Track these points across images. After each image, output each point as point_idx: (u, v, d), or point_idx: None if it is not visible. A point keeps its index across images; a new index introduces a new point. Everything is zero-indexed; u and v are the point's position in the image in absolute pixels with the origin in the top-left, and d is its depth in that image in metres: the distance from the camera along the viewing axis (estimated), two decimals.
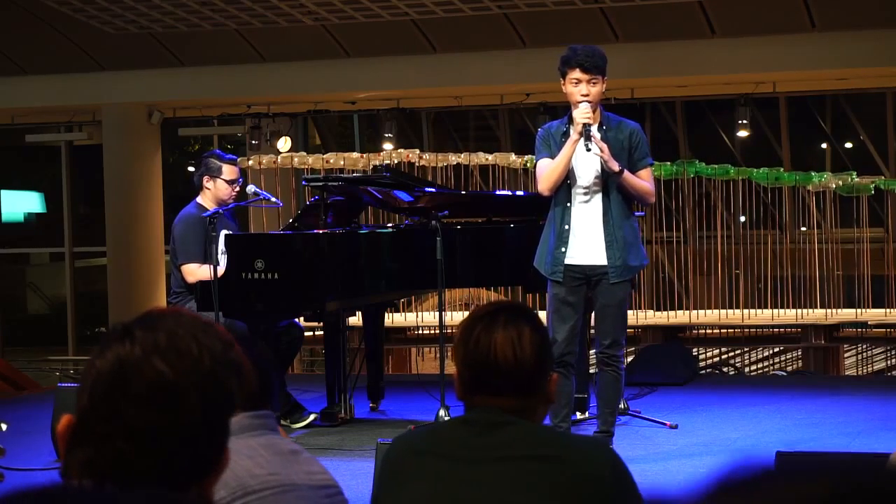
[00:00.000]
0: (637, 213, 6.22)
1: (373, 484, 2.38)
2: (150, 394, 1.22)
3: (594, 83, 5.26)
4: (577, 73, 5.25)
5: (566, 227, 5.33)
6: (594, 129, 5.26)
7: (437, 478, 2.18)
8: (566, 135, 5.30)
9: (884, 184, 10.84)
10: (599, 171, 5.30)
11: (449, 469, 2.17)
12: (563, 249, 5.33)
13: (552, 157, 5.30)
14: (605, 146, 5.22)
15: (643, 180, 5.33)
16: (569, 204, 5.33)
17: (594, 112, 5.31)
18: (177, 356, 1.24)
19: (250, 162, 10.93)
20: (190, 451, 1.23)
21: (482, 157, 11.07)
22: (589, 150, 5.20)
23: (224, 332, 1.34)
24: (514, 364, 2.19)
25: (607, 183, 5.30)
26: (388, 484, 2.25)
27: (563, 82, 5.32)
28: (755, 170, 10.86)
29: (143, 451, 1.21)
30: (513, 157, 10.90)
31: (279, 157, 11.09)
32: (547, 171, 5.30)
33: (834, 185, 10.72)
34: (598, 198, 5.32)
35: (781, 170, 11.02)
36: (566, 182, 5.31)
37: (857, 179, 10.70)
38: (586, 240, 5.32)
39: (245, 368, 1.78)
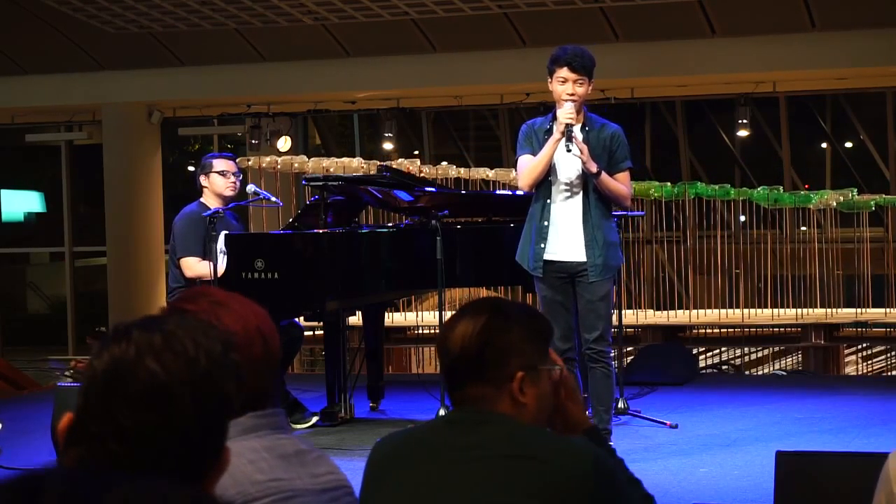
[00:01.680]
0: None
1: (360, 486, 2.37)
2: (142, 394, 1.22)
3: (580, 83, 5.32)
4: (564, 72, 5.31)
5: (545, 223, 5.40)
6: (576, 130, 5.32)
7: (418, 477, 2.17)
8: (549, 132, 5.37)
9: (884, 201, 10.86)
10: (581, 170, 5.35)
11: (430, 468, 2.16)
12: (543, 245, 5.40)
13: (534, 154, 5.37)
14: (584, 147, 5.29)
15: (620, 183, 5.39)
16: (549, 200, 5.40)
17: (578, 113, 5.36)
18: (172, 356, 1.24)
19: (250, 162, 10.93)
20: (184, 452, 1.23)
21: (483, 173, 11.07)
22: (569, 150, 5.25)
23: (226, 334, 1.34)
24: (458, 351, 2.20)
25: (588, 182, 5.36)
26: (372, 484, 2.25)
27: (550, 80, 5.39)
28: (755, 190, 10.89)
29: (136, 451, 1.21)
30: (514, 173, 10.88)
31: (279, 162, 11.08)
32: (527, 169, 5.38)
33: (834, 203, 10.74)
34: (579, 196, 5.39)
35: (781, 189, 11.02)
36: (547, 179, 5.39)
37: (857, 197, 10.71)
38: (565, 237, 5.38)
39: (245, 371, 1.78)
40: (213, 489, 1.28)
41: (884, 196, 11.03)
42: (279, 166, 11.08)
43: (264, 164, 11.00)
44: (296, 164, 11.05)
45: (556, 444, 2.21)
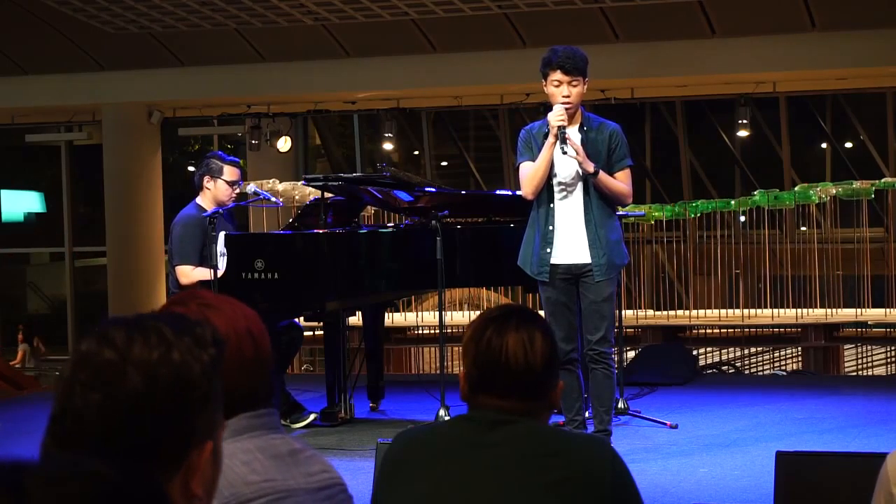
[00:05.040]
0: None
1: (373, 482, 2.38)
2: (95, 373, 1.25)
3: (575, 84, 5.31)
4: (558, 75, 5.30)
5: (550, 227, 5.38)
6: (569, 132, 5.30)
7: (438, 474, 2.19)
8: (547, 136, 5.34)
9: (883, 185, 10.86)
10: (579, 170, 5.34)
11: (450, 465, 2.18)
12: (549, 250, 5.38)
13: (534, 159, 5.35)
14: (579, 148, 5.27)
15: (620, 182, 5.38)
16: (552, 204, 5.39)
17: (575, 112, 5.35)
18: (131, 341, 1.26)
19: (251, 186, 10.92)
20: (132, 437, 1.23)
21: None
22: (565, 153, 5.24)
23: (214, 332, 1.33)
24: (524, 366, 2.21)
25: (587, 182, 5.35)
26: (389, 480, 2.26)
27: (544, 83, 5.38)
28: (755, 196, 10.88)
29: (84, 430, 1.24)
30: None
31: (280, 192, 11.04)
32: (528, 176, 5.37)
33: (834, 192, 10.74)
34: (580, 197, 5.38)
35: (778, 191, 11.02)
36: (548, 182, 5.36)
37: (856, 184, 10.72)
38: (570, 239, 5.37)
39: (236, 371, 1.78)
40: (194, 492, 1.27)
41: (884, 180, 11.01)
42: (281, 198, 11.02)
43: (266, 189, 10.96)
44: (297, 196, 10.94)
45: (575, 442, 2.26)
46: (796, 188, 10.93)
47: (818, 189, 10.70)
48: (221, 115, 12.30)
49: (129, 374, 1.24)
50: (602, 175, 5.30)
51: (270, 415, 1.90)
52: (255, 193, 6.76)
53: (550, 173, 5.37)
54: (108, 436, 1.23)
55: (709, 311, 11.17)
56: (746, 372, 12.74)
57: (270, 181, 11.01)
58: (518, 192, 5.67)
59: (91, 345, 1.27)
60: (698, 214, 11.12)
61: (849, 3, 9.32)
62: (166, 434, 1.24)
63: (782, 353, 13.03)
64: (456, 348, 10.92)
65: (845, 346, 11.92)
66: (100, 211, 12.30)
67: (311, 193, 10.82)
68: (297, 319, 6.86)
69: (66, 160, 13.70)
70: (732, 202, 11.03)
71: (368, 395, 7.15)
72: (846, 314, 10.85)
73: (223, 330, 1.81)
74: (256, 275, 6.28)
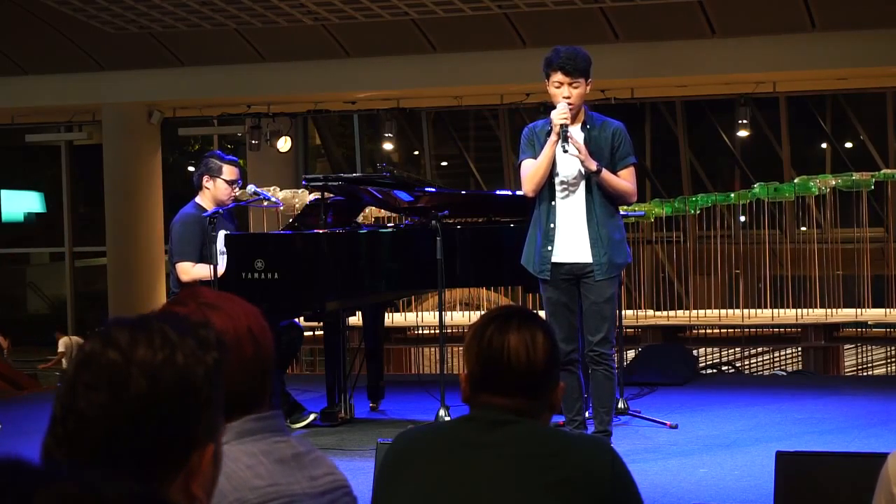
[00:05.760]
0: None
1: (373, 481, 2.38)
2: (98, 374, 1.24)
3: (576, 85, 5.30)
4: (559, 76, 5.29)
5: (552, 225, 5.37)
6: (572, 130, 5.29)
7: (438, 474, 2.19)
8: (550, 133, 5.34)
9: (883, 176, 10.86)
10: (581, 169, 5.34)
11: (450, 465, 2.19)
12: (550, 248, 5.37)
13: (535, 157, 5.35)
14: (581, 146, 5.26)
15: (624, 180, 5.36)
16: (553, 202, 5.38)
17: (578, 111, 5.34)
18: (135, 343, 1.26)
19: (251, 187, 10.89)
20: (137, 439, 1.23)
21: None
22: (566, 151, 5.23)
23: (216, 334, 1.33)
24: (525, 365, 2.21)
25: (590, 181, 5.34)
26: (390, 479, 2.26)
27: (546, 83, 5.36)
28: (754, 188, 10.88)
29: (87, 431, 1.23)
30: None
31: (280, 201, 10.99)
32: (530, 173, 5.36)
33: (834, 183, 10.75)
34: (582, 195, 5.37)
35: (778, 184, 11.01)
36: (550, 180, 5.36)
37: (856, 176, 10.73)
38: (572, 237, 5.36)
39: (236, 372, 1.77)
40: (195, 494, 1.27)
41: (884, 171, 11.01)
42: (281, 207, 11.00)
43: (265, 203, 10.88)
44: (297, 203, 10.92)
45: (575, 443, 2.27)
46: (796, 180, 10.92)
47: (818, 181, 10.70)
48: (221, 115, 12.31)
49: (133, 376, 1.24)
50: (605, 173, 5.29)
51: (275, 417, 1.88)
52: (255, 193, 6.76)
53: (552, 172, 5.36)
54: (111, 437, 1.23)
55: (709, 311, 11.17)
56: (746, 372, 12.74)
57: (271, 188, 11.00)
58: (518, 192, 5.66)
59: (95, 345, 1.27)
60: (698, 211, 11.12)
61: (849, 3, 9.33)
62: (169, 436, 1.24)
63: (782, 353, 13.03)
64: (456, 348, 10.92)
65: (845, 346, 11.92)
66: (100, 211, 12.30)
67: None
68: (297, 319, 6.86)
69: (66, 160, 13.70)
70: (732, 195, 11.02)
71: (368, 395, 7.15)
72: (846, 314, 10.86)
73: (223, 328, 1.80)
74: (256, 275, 6.28)
